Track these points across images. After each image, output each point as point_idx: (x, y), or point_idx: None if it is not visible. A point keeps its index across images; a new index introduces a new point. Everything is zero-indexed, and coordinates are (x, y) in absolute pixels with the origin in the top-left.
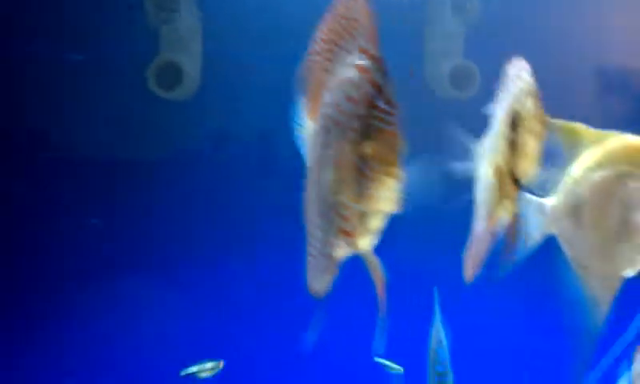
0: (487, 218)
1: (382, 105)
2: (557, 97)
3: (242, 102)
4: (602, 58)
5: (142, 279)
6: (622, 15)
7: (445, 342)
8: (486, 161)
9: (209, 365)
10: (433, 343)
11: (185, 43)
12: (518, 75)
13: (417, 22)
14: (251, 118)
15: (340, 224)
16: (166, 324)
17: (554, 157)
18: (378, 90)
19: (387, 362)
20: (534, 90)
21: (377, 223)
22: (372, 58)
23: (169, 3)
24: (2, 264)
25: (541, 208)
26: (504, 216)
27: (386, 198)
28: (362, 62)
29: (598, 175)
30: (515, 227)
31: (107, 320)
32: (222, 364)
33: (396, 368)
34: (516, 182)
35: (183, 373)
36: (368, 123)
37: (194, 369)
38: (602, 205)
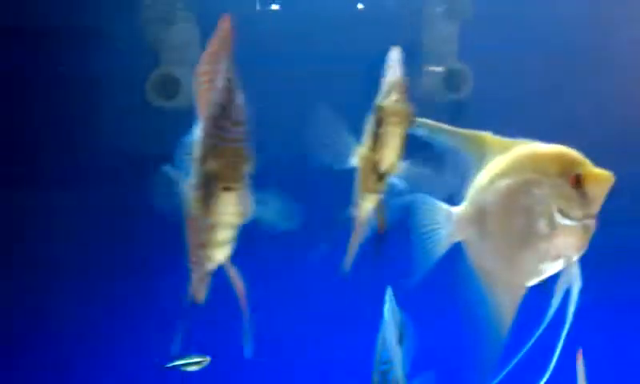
0: (357, 208)
1: (224, 123)
2: (551, 94)
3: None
4: (601, 55)
5: (139, 281)
6: (623, 8)
7: (390, 342)
8: (356, 153)
9: (195, 359)
10: (379, 344)
11: (182, 54)
12: (388, 68)
13: (413, 25)
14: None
15: (198, 237)
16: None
17: (462, 165)
18: (223, 109)
19: None
20: (399, 82)
21: (225, 236)
22: (223, 78)
23: (166, 15)
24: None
25: (448, 215)
26: (370, 206)
27: (229, 211)
28: (217, 82)
29: (504, 183)
30: (382, 218)
31: (94, 318)
32: (208, 359)
33: None
34: (378, 174)
35: (169, 365)
36: (213, 141)
37: (180, 362)
38: (508, 213)
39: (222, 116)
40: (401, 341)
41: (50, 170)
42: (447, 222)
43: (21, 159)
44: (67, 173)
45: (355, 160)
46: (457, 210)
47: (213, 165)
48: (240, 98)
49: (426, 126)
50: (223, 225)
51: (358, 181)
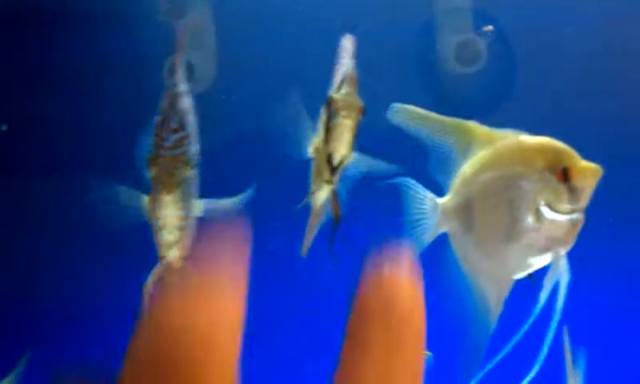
0: (312, 197)
1: (163, 131)
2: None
3: (251, 100)
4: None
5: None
6: None
7: None
8: (311, 142)
9: None
10: None
11: (196, 41)
12: (340, 57)
13: None
14: (258, 115)
15: (155, 237)
16: None
17: (445, 155)
18: (164, 117)
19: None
20: (351, 75)
21: (172, 237)
22: (170, 85)
23: (178, 5)
24: None
25: (434, 205)
26: (324, 196)
27: (171, 214)
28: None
29: (490, 175)
30: (336, 208)
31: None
32: None
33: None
34: (331, 166)
35: None
36: (154, 149)
37: None
38: (494, 205)
39: (161, 124)
40: None
41: (60, 160)
42: (434, 211)
43: (31, 148)
44: (79, 162)
45: (310, 150)
46: (442, 200)
47: (153, 172)
48: (183, 105)
49: (406, 113)
50: (168, 227)
51: (313, 171)
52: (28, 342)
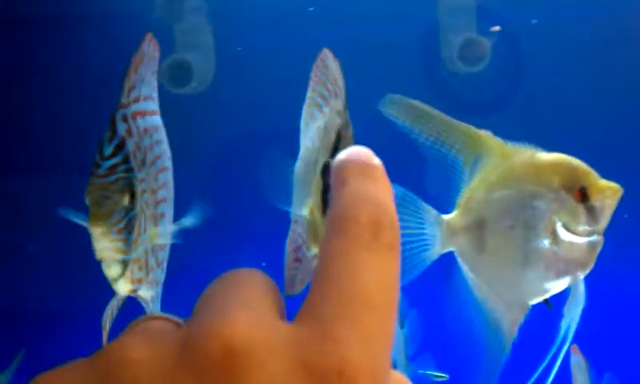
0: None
1: (96, 158)
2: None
3: (252, 98)
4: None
5: None
6: None
7: None
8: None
9: None
10: None
11: (194, 41)
12: (320, 72)
13: None
14: (261, 114)
15: None
16: None
17: (448, 165)
18: (101, 140)
19: (432, 372)
20: (345, 130)
21: (111, 271)
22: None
23: (176, 5)
24: None
25: (439, 222)
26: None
27: (106, 248)
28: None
29: (504, 194)
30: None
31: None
32: None
33: (441, 376)
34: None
35: None
36: (90, 178)
37: None
38: (508, 227)
39: (97, 150)
40: (402, 324)
41: (56, 163)
42: (435, 227)
43: (26, 151)
44: (75, 165)
45: (306, 211)
46: (448, 217)
47: (87, 200)
48: (124, 129)
49: (405, 106)
50: (106, 260)
51: (308, 230)
52: (22, 341)
